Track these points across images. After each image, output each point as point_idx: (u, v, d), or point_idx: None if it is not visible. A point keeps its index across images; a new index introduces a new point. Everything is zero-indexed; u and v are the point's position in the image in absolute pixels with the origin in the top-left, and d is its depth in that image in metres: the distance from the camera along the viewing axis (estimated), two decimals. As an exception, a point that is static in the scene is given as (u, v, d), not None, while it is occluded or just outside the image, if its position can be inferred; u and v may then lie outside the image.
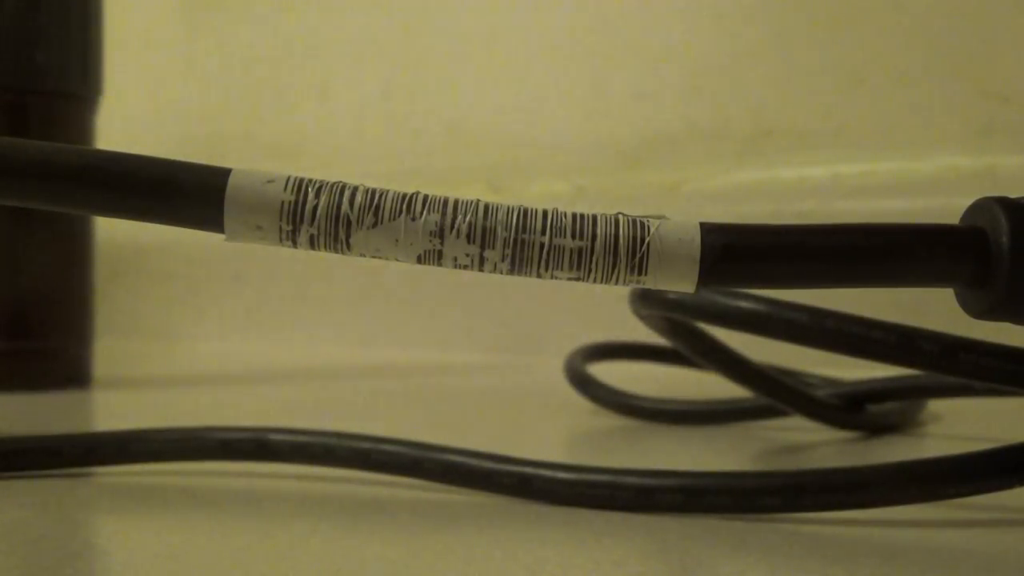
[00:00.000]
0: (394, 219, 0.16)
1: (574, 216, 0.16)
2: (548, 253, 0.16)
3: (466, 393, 0.45)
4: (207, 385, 0.47)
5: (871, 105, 0.56)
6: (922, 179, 0.54)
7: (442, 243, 0.16)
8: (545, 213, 0.16)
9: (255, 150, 0.75)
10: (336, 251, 0.16)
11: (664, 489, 0.20)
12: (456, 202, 0.16)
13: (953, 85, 0.54)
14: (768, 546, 0.18)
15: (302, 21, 0.75)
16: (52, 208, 0.17)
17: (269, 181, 0.16)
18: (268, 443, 0.23)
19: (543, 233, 0.16)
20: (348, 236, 0.16)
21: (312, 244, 0.16)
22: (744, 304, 0.22)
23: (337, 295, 0.70)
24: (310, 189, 0.16)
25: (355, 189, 0.16)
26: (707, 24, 0.60)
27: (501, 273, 0.16)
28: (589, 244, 0.16)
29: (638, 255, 0.16)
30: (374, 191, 0.16)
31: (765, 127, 0.59)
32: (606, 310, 0.59)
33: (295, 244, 0.16)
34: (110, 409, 0.40)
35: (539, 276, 0.16)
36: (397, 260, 0.16)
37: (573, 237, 0.16)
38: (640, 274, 0.16)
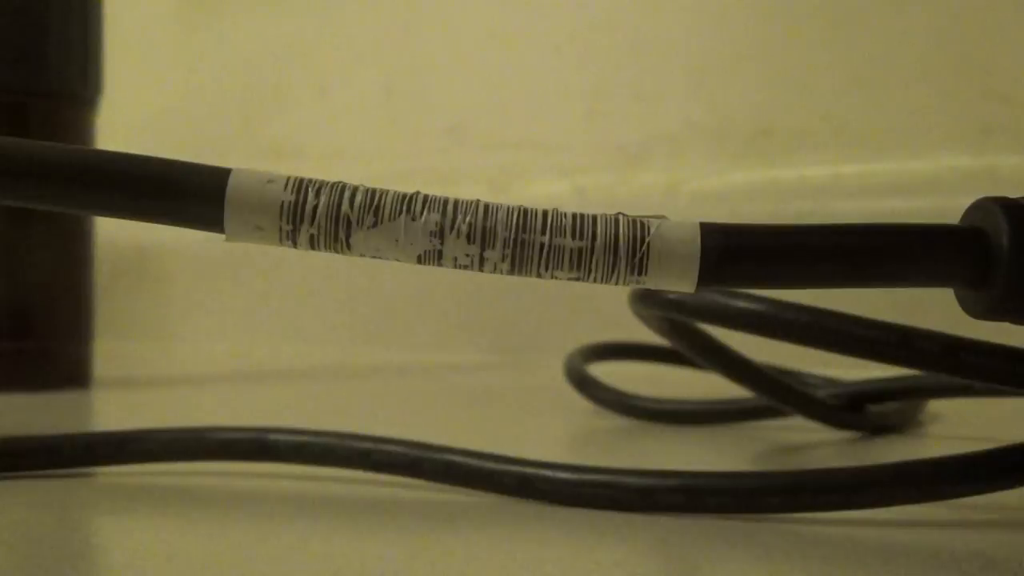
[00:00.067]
0: (394, 219, 0.16)
1: (574, 216, 0.16)
2: (548, 253, 0.16)
3: (466, 393, 0.45)
4: (207, 385, 0.47)
5: (871, 105, 0.56)
6: (922, 179, 0.54)
7: (442, 243, 0.16)
8: (545, 213, 0.16)
9: (255, 150, 0.75)
10: (336, 251, 0.16)
11: (664, 489, 0.20)
12: (456, 202, 0.16)
13: (953, 85, 0.54)
14: (768, 546, 0.18)
15: (302, 21, 0.75)
16: (52, 208, 0.17)
17: (269, 181, 0.16)
18: (268, 443, 0.23)
19: (543, 233, 0.16)
20: (348, 236, 0.16)
21: (312, 244, 0.16)
22: (744, 304, 0.22)
23: (337, 295, 0.70)
24: (310, 189, 0.16)
25: (355, 189, 0.16)
26: (707, 24, 0.60)
27: (501, 273, 0.16)
28: (589, 244, 0.16)
29: (638, 255, 0.16)
30: (374, 191, 0.16)
31: (765, 127, 0.59)
32: (606, 310, 0.59)
33: (295, 244, 0.16)
34: (110, 409, 0.40)
35: (539, 276, 0.16)
36: (397, 260, 0.16)
37: (573, 237, 0.16)
38: (640, 274, 0.16)
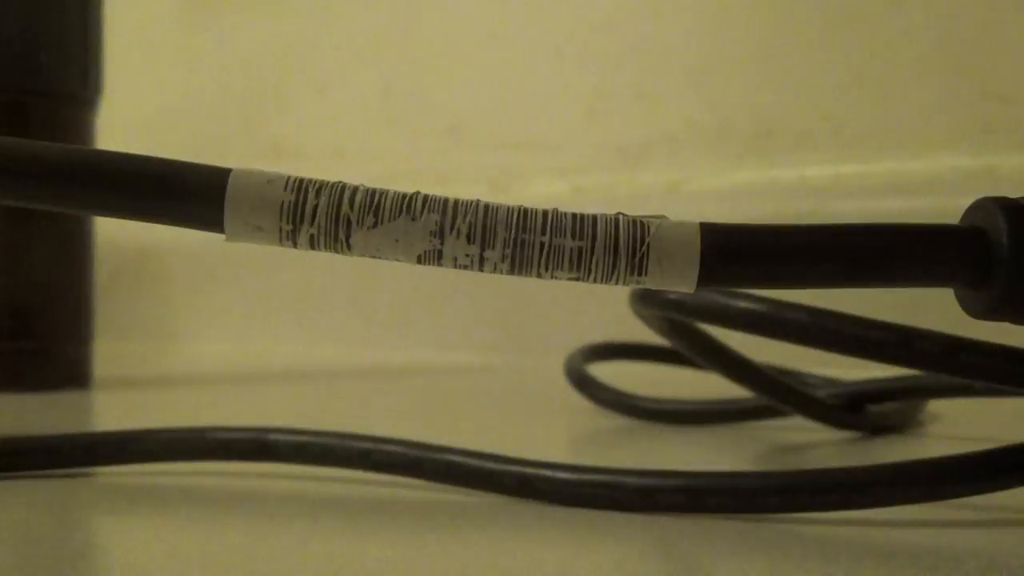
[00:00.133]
0: (394, 219, 0.16)
1: (574, 216, 0.16)
2: (548, 253, 0.16)
3: (466, 393, 0.45)
4: (207, 385, 0.47)
5: (871, 105, 0.56)
6: (922, 179, 0.54)
7: (442, 243, 0.16)
8: (545, 213, 0.16)
9: (255, 150, 0.75)
10: (336, 251, 0.16)
11: (664, 489, 0.20)
12: (456, 202, 0.16)
13: (953, 85, 0.54)
14: (768, 546, 0.18)
15: (302, 21, 0.75)
16: (52, 208, 0.17)
17: (269, 181, 0.16)
18: (268, 443, 0.23)
19: (543, 233, 0.16)
20: (348, 236, 0.16)
21: (312, 244, 0.16)
22: (744, 304, 0.22)
23: (337, 295, 0.70)
24: (310, 189, 0.16)
25: (355, 189, 0.16)
26: (707, 24, 0.60)
27: (501, 273, 0.16)
28: (589, 244, 0.16)
29: (638, 255, 0.16)
30: (374, 191, 0.16)
31: (765, 127, 0.59)
32: (606, 310, 0.59)
33: (295, 244, 0.16)
34: (110, 409, 0.40)
35: (539, 276, 0.16)
36: (397, 260, 0.16)
37: (573, 237, 0.16)
38: (640, 274, 0.16)
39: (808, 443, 0.31)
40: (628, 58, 0.63)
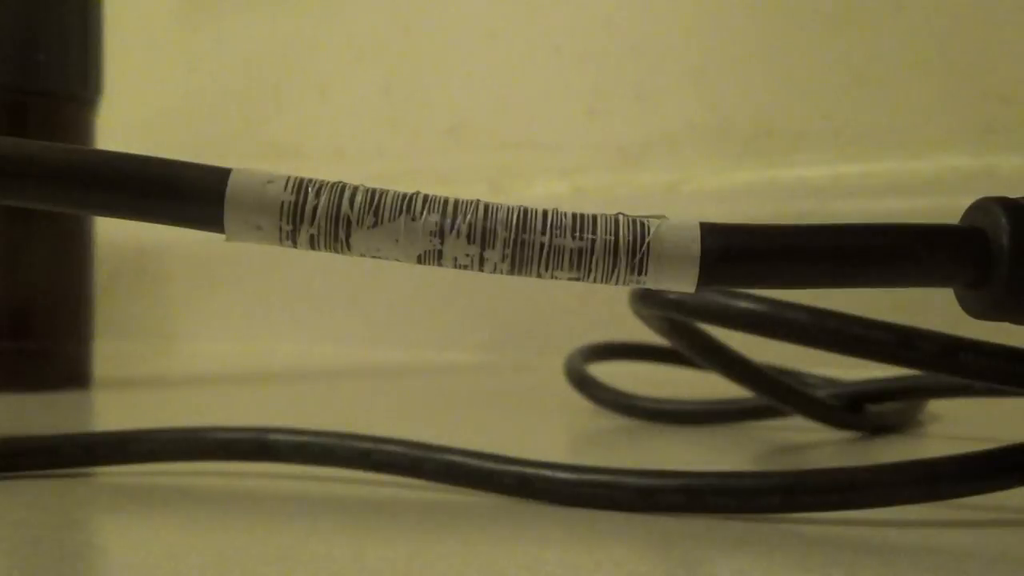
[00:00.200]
0: (394, 219, 0.16)
1: (574, 216, 0.16)
2: (548, 253, 0.16)
3: (466, 393, 0.45)
4: (207, 385, 0.47)
5: (871, 105, 0.56)
6: (922, 179, 0.54)
7: (442, 243, 0.16)
8: (545, 213, 0.16)
9: (255, 150, 0.75)
10: (336, 251, 0.16)
11: (664, 489, 0.20)
12: (456, 202, 0.16)
13: (953, 85, 0.54)
14: (768, 546, 0.18)
15: (302, 21, 0.75)
16: (52, 208, 0.17)
17: (269, 181, 0.16)
18: (268, 443, 0.23)
19: (543, 233, 0.16)
20: (348, 236, 0.16)
21: (312, 244, 0.16)
22: (744, 304, 0.22)
23: (337, 295, 0.70)
24: (310, 189, 0.16)
25: (355, 189, 0.16)
26: (707, 24, 0.60)
27: (501, 273, 0.16)
28: (589, 244, 0.16)
29: (638, 255, 0.16)
30: (374, 191, 0.16)
31: (765, 127, 0.59)
32: (606, 310, 0.59)
33: (295, 244, 0.16)
34: (110, 409, 0.40)
35: (539, 276, 0.16)
36: (397, 260, 0.16)
37: (573, 237, 0.16)
38: (640, 274, 0.16)
39: (808, 443, 0.31)
40: (628, 58, 0.63)
